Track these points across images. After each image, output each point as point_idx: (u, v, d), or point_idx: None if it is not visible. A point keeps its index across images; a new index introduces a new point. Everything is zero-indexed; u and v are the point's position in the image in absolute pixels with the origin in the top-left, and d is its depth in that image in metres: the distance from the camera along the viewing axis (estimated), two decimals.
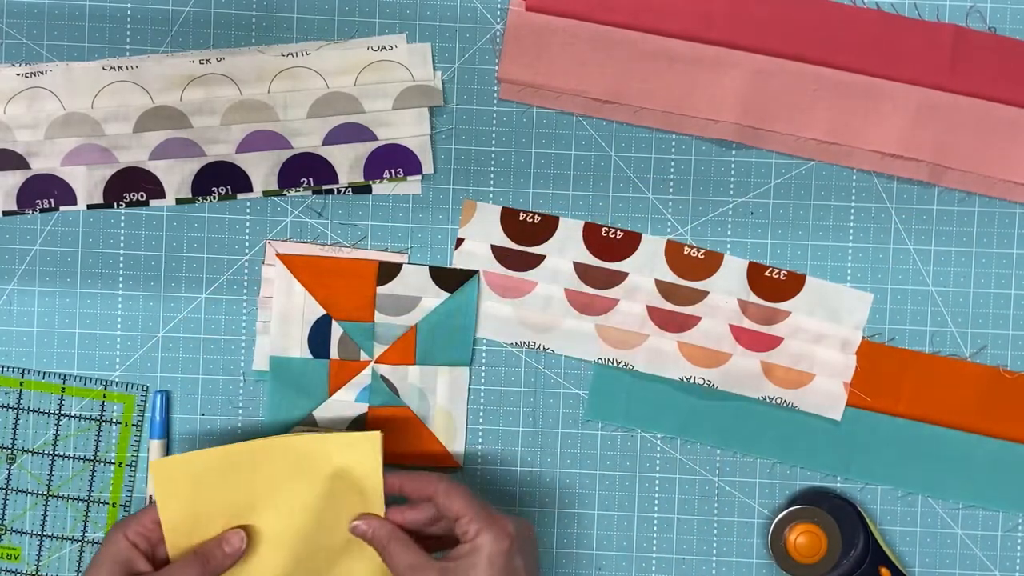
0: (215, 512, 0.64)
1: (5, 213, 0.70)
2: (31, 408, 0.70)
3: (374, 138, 0.70)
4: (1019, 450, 0.71)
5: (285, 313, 0.70)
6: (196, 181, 0.70)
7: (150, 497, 0.69)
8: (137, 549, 0.63)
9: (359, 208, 0.71)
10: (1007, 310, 0.71)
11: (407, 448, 0.71)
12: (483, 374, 0.71)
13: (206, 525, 0.64)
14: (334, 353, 0.70)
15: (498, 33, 0.70)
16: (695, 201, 0.71)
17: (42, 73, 0.69)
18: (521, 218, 0.71)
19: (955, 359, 0.71)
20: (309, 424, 0.71)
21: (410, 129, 0.70)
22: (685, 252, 0.71)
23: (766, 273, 0.71)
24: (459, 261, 0.71)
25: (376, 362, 0.71)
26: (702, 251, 0.71)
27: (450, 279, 0.70)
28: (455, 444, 0.71)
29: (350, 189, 0.70)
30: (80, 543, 0.71)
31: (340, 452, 0.64)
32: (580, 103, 0.70)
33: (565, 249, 0.71)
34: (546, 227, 0.71)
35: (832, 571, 0.70)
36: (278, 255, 0.70)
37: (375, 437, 0.64)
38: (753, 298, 0.71)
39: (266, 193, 0.70)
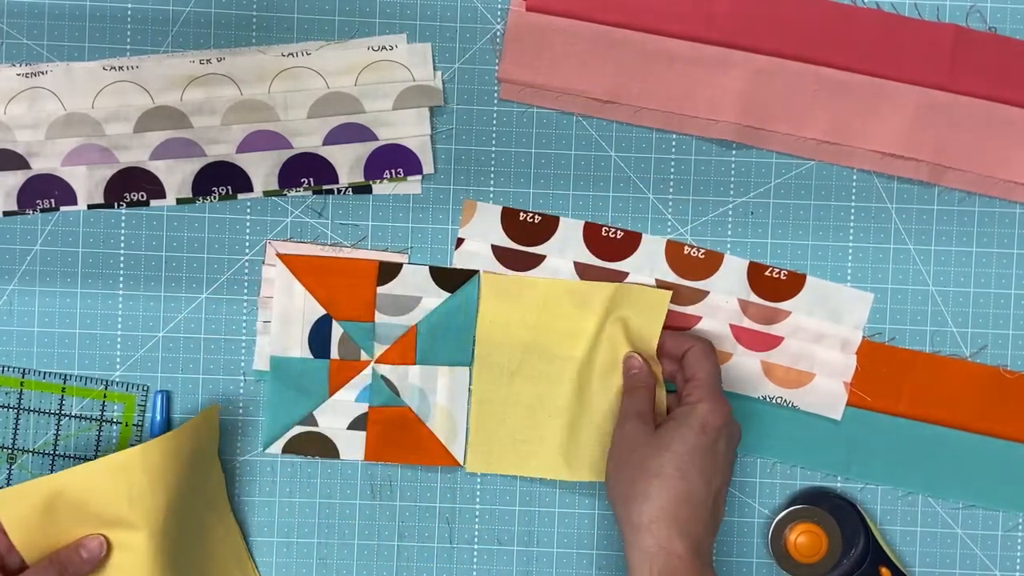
0: (72, 531, 0.63)
1: (6, 213, 0.70)
2: (31, 408, 0.70)
3: (374, 138, 0.70)
4: (1019, 450, 0.71)
5: (285, 313, 0.70)
6: (196, 181, 0.70)
7: None
8: None
9: (359, 208, 0.71)
10: (1007, 310, 0.71)
11: (407, 448, 0.71)
12: None
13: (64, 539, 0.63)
14: (334, 353, 0.70)
15: (498, 33, 0.70)
16: (695, 201, 0.71)
17: (42, 73, 0.69)
18: (521, 218, 0.71)
19: (955, 359, 0.71)
20: (310, 424, 0.71)
21: (410, 129, 0.70)
22: (685, 252, 0.71)
23: (766, 273, 0.71)
24: (459, 261, 0.71)
25: (376, 362, 0.71)
26: (702, 251, 0.71)
27: (450, 279, 0.70)
28: (455, 443, 0.71)
29: (350, 189, 0.70)
30: None
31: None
32: (580, 103, 0.70)
33: (565, 249, 0.71)
34: (546, 227, 0.71)
35: (832, 571, 0.70)
36: (278, 255, 0.70)
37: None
38: (753, 298, 0.71)
39: (266, 193, 0.70)
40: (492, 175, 0.71)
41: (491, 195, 0.71)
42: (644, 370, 0.68)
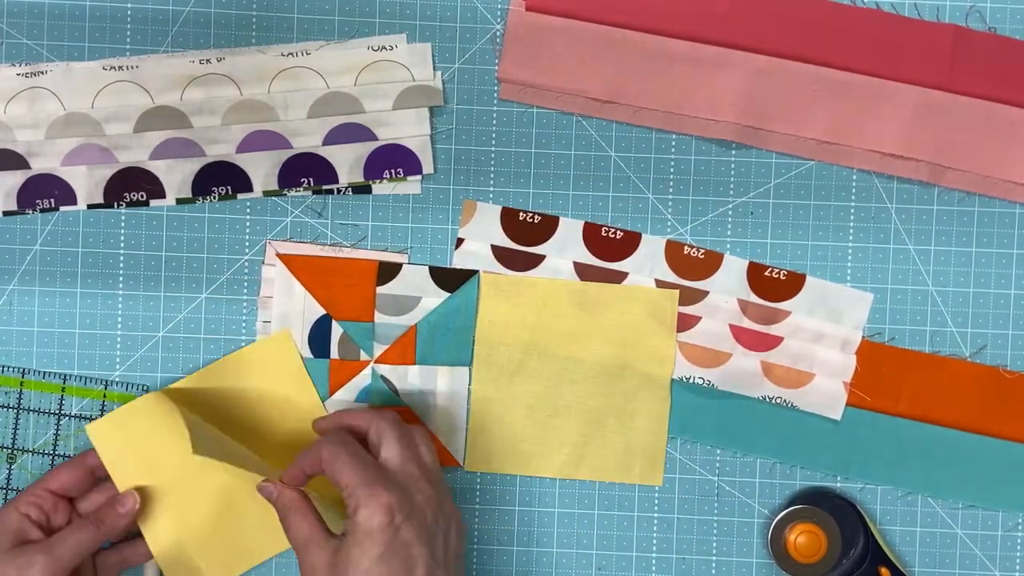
0: (165, 457, 0.66)
1: (5, 213, 0.70)
2: (31, 408, 0.70)
3: (374, 138, 0.70)
4: (1019, 450, 0.71)
5: (285, 313, 0.70)
6: (196, 181, 0.70)
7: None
8: (29, 519, 0.64)
9: (359, 208, 0.71)
10: (1007, 310, 0.71)
11: None
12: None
13: (160, 471, 0.67)
14: (334, 353, 0.70)
15: (498, 33, 0.70)
16: (695, 201, 0.71)
17: (42, 73, 0.69)
18: (521, 218, 0.71)
19: (955, 359, 0.71)
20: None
21: (410, 129, 0.70)
22: (685, 252, 0.71)
23: (766, 273, 0.71)
24: (459, 261, 0.71)
25: (376, 362, 0.71)
26: (702, 251, 0.71)
27: (450, 279, 0.70)
28: (455, 443, 0.71)
29: (350, 189, 0.70)
30: None
31: (260, 363, 0.69)
32: (580, 103, 0.70)
33: (565, 249, 0.71)
34: (546, 227, 0.71)
35: (832, 571, 0.70)
36: (278, 255, 0.70)
37: (284, 335, 0.68)
38: (753, 298, 0.71)
39: (266, 193, 0.70)
40: (492, 175, 0.71)
41: (491, 195, 0.71)
42: (281, 492, 0.62)
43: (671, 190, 0.71)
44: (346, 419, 0.66)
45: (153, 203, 0.70)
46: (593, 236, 0.71)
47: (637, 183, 0.71)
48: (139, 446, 0.66)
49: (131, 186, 0.70)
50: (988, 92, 0.69)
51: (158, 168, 0.69)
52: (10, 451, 0.70)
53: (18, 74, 0.69)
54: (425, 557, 0.59)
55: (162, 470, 0.67)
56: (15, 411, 0.70)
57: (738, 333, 0.70)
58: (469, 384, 0.71)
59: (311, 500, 0.62)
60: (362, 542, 0.58)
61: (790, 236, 0.71)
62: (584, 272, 0.71)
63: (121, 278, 0.70)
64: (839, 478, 0.71)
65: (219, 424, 0.68)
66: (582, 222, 0.71)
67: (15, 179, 0.69)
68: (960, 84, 0.69)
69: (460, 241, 0.71)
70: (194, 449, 0.61)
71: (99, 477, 0.67)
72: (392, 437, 0.62)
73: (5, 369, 0.70)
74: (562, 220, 0.71)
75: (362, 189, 0.70)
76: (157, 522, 0.67)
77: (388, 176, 0.70)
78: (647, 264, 0.71)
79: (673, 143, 0.71)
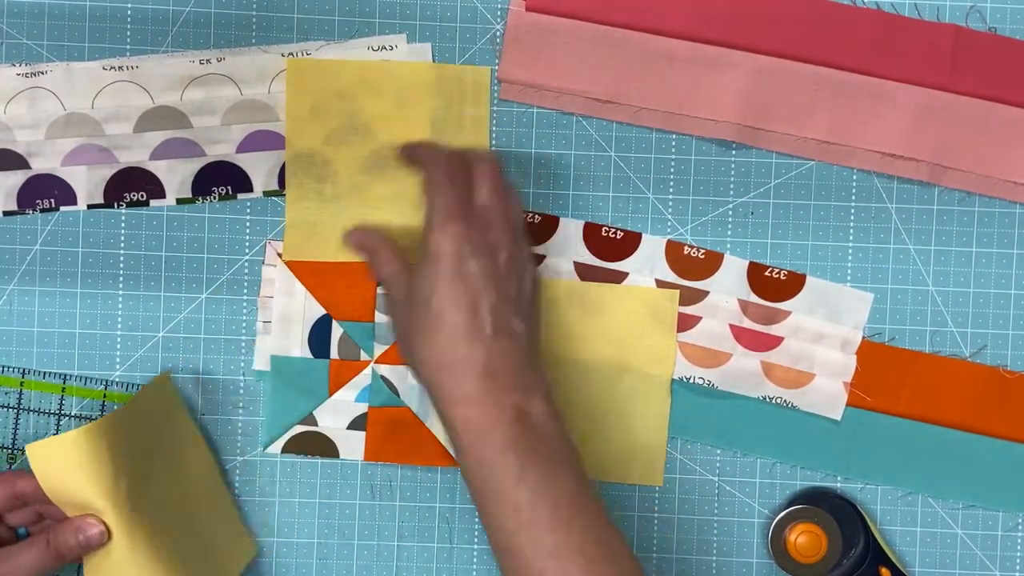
0: (101, 491, 0.61)
1: (5, 213, 0.70)
2: (31, 408, 0.70)
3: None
4: (1019, 450, 0.71)
5: (286, 313, 0.70)
6: (196, 181, 0.70)
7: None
8: None
9: None
10: (1007, 310, 0.71)
11: (407, 448, 0.71)
12: None
13: (96, 505, 0.61)
14: (334, 353, 0.70)
15: (498, 33, 0.70)
16: (695, 201, 0.71)
17: (42, 73, 0.69)
18: None
19: (955, 359, 0.71)
20: (310, 424, 0.71)
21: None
22: (685, 252, 0.71)
23: (766, 273, 0.71)
24: None
25: (376, 362, 0.71)
26: (702, 251, 0.71)
27: None
28: None
29: None
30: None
31: (146, 412, 0.66)
32: (580, 103, 0.70)
33: (565, 249, 0.71)
34: (546, 227, 0.71)
35: (832, 571, 0.70)
36: (279, 255, 0.70)
37: (163, 378, 0.68)
38: (753, 298, 0.71)
39: (266, 193, 0.70)
40: None
41: None
42: (367, 237, 0.65)
43: (671, 190, 0.71)
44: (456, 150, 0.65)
45: (153, 203, 0.70)
46: (593, 236, 0.71)
47: (637, 183, 0.71)
48: (79, 474, 0.61)
49: (131, 186, 0.70)
50: (988, 92, 0.69)
51: (158, 168, 0.69)
52: (10, 451, 0.70)
53: (18, 74, 0.69)
54: (492, 293, 0.60)
55: (98, 503, 0.61)
56: (15, 411, 0.70)
57: (738, 333, 0.70)
58: None
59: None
60: (429, 264, 0.60)
61: (790, 236, 0.71)
62: (584, 272, 0.71)
63: (121, 278, 0.70)
64: (839, 478, 0.71)
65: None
66: (582, 222, 0.71)
67: (15, 179, 0.69)
68: (960, 84, 0.69)
69: None
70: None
71: (26, 501, 0.63)
72: (488, 181, 0.63)
73: (5, 369, 0.70)
74: (562, 220, 0.71)
75: None
76: (94, 556, 0.62)
77: None
78: (647, 264, 0.71)
79: (673, 143, 0.71)
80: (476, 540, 0.72)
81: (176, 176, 0.70)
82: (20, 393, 0.70)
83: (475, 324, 0.59)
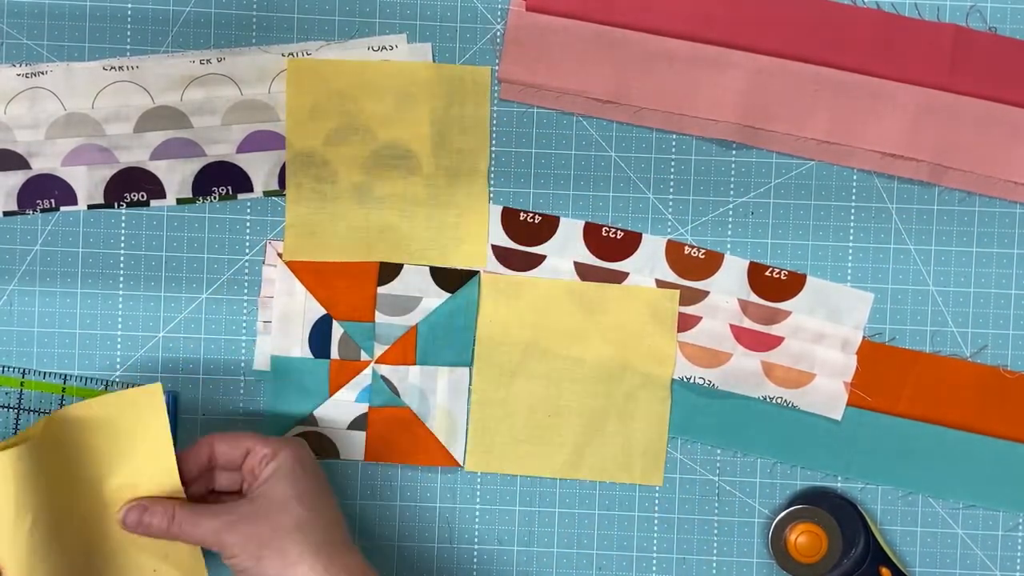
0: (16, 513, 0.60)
1: (6, 213, 0.70)
2: (32, 408, 0.70)
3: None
4: (1019, 450, 0.71)
5: (286, 313, 0.70)
6: (196, 181, 0.70)
7: None
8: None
9: None
10: (1007, 310, 0.71)
11: (407, 448, 0.71)
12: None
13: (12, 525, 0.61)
14: (335, 353, 0.70)
15: (498, 33, 0.70)
16: (695, 201, 0.71)
17: (42, 73, 0.69)
18: (521, 218, 0.71)
19: (955, 359, 0.71)
20: (310, 424, 0.71)
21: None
22: (685, 252, 0.71)
23: (766, 273, 0.71)
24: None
25: (376, 362, 0.71)
26: (702, 251, 0.71)
27: (450, 279, 0.70)
28: (455, 444, 0.71)
29: None
30: None
31: (121, 414, 0.64)
32: (580, 103, 0.70)
33: (565, 249, 0.71)
34: (546, 227, 0.71)
35: (832, 571, 0.70)
36: (279, 255, 0.70)
37: (155, 390, 0.64)
38: (753, 298, 0.71)
39: (266, 193, 0.70)
40: (492, 175, 0.71)
41: (491, 195, 0.71)
42: (149, 508, 0.62)
43: (671, 190, 0.71)
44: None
45: (153, 203, 0.70)
46: (593, 236, 0.71)
47: (637, 183, 0.71)
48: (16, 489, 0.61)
49: (131, 186, 0.70)
50: (988, 92, 0.69)
51: (158, 168, 0.69)
52: None
53: (18, 74, 0.69)
54: (332, 491, 0.65)
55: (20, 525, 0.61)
56: (15, 411, 0.70)
57: (738, 333, 0.71)
58: (469, 384, 0.71)
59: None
60: (293, 469, 0.63)
61: (790, 236, 0.71)
62: (584, 272, 0.71)
63: (121, 278, 0.70)
64: (839, 478, 0.71)
65: (67, 484, 0.63)
66: (582, 222, 0.71)
67: (15, 179, 0.69)
68: (960, 84, 0.69)
69: None
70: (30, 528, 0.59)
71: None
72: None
73: (5, 369, 0.70)
74: (562, 220, 0.71)
75: None
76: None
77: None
78: (647, 264, 0.71)
79: (673, 143, 0.71)
80: (476, 540, 0.72)
81: (176, 176, 0.70)
82: (20, 393, 0.70)
83: (340, 516, 0.65)
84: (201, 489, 0.66)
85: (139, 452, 0.64)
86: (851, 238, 0.71)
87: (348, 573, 0.61)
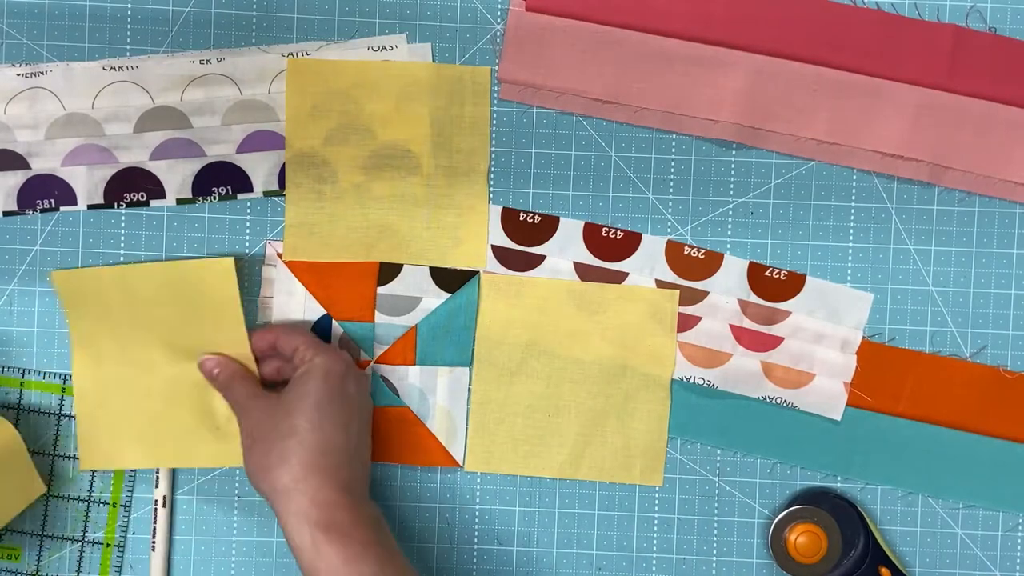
0: (116, 324, 0.68)
1: (6, 213, 0.70)
2: (32, 408, 0.70)
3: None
4: (1019, 450, 0.71)
5: (286, 313, 0.70)
6: (196, 181, 0.70)
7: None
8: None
9: None
10: (1007, 310, 0.71)
11: (407, 448, 0.71)
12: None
13: (110, 335, 0.68)
14: None
15: (498, 33, 0.70)
16: (695, 201, 0.71)
17: (42, 73, 0.69)
18: (521, 218, 0.71)
19: (955, 359, 0.71)
20: None
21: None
22: (685, 252, 0.71)
23: (766, 273, 0.71)
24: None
25: (376, 362, 0.71)
26: (702, 251, 0.71)
27: (450, 279, 0.70)
28: (455, 443, 0.71)
29: None
30: (80, 543, 0.71)
31: (197, 278, 0.67)
32: (580, 103, 0.70)
33: (565, 249, 0.71)
34: (546, 227, 0.71)
35: (832, 571, 0.70)
36: (279, 255, 0.70)
37: (227, 263, 0.67)
38: (753, 298, 0.71)
39: (266, 193, 0.70)
40: (492, 175, 0.71)
41: (491, 195, 0.71)
42: (223, 363, 0.67)
43: (671, 190, 0.71)
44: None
45: (153, 203, 0.70)
46: (593, 236, 0.71)
47: (637, 183, 0.71)
48: (97, 306, 0.68)
49: (131, 186, 0.70)
50: (988, 92, 0.69)
51: (158, 168, 0.69)
52: None
53: (18, 74, 0.69)
54: (358, 418, 0.65)
55: (109, 337, 0.68)
56: (15, 411, 0.70)
57: (738, 333, 0.71)
58: (469, 384, 0.71)
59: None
60: (316, 379, 0.64)
61: (790, 236, 0.71)
62: (584, 272, 0.71)
63: None
64: (839, 478, 0.71)
65: (145, 325, 0.68)
66: (582, 222, 0.71)
67: (15, 179, 0.69)
68: (960, 84, 0.69)
69: None
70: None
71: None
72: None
73: (5, 369, 0.70)
74: (562, 220, 0.71)
75: None
76: (88, 383, 0.69)
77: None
78: (647, 264, 0.71)
79: (673, 143, 0.71)
80: (476, 540, 0.72)
81: (176, 176, 0.70)
82: (20, 393, 0.70)
83: (346, 442, 0.63)
84: (269, 370, 0.68)
85: (210, 321, 0.68)
86: (851, 238, 0.71)
87: (333, 510, 0.61)
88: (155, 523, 0.70)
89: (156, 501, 0.70)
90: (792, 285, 0.71)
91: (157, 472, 0.70)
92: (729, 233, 0.71)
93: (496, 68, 0.70)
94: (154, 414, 0.69)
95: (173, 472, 0.70)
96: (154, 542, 0.70)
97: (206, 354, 0.68)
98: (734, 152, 0.71)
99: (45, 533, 0.70)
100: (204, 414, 0.69)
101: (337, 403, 0.64)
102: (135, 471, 0.70)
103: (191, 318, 0.68)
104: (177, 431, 0.69)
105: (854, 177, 0.71)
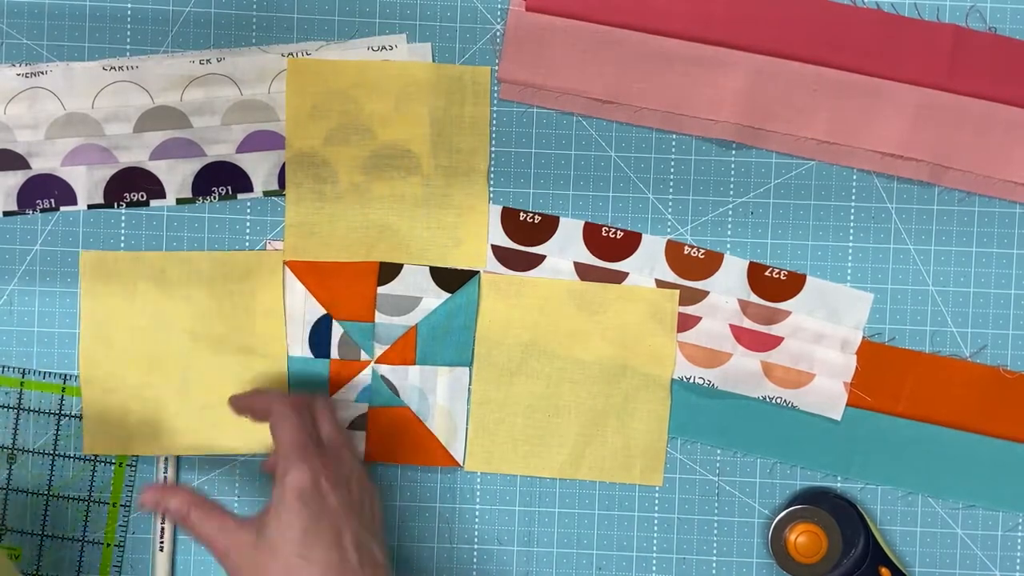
0: (138, 310, 0.69)
1: (5, 213, 0.70)
2: (31, 408, 0.70)
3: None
4: (1019, 450, 0.71)
5: (286, 313, 0.70)
6: (196, 181, 0.70)
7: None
8: None
9: None
10: (1007, 310, 0.71)
11: (407, 448, 0.71)
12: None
13: (126, 321, 0.69)
14: (334, 353, 0.70)
15: (498, 33, 0.70)
16: (695, 201, 0.71)
17: (42, 73, 0.69)
18: (521, 218, 0.71)
19: (955, 359, 0.71)
20: None
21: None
22: (685, 252, 0.71)
23: (766, 273, 0.71)
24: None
25: (376, 362, 0.71)
26: (702, 251, 0.71)
27: (450, 279, 0.70)
28: (455, 443, 0.71)
29: None
30: (80, 543, 0.71)
31: (244, 270, 0.69)
32: (580, 103, 0.70)
33: (565, 249, 0.71)
34: (546, 227, 0.71)
35: (832, 571, 0.70)
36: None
37: (276, 256, 0.69)
38: (753, 298, 0.71)
39: (266, 193, 0.70)
40: (492, 175, 0.71)
41: (491, 195, 0.71)
42: (168, 496, 0.62)
43: (671, 190, 0.71)
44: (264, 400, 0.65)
45: (153, 203, 0.70)
46: (593, 236, 0.71)
47: (637, 183, 0.71)
48: (121, 289, 0.69)
49: (131, 186, 0.70)
50: (988, 92, 0.69)
51: (158, 168, 0.69)
52: (10, 451, 0.70)
53: (18, 74, 0.69)
54: (352, 524, 0.60)
55: (125, 322, 0.69)
56: (15, 411, 0.70)
57: (738, 333, 0.71)
58: (469, 384, 0.71)
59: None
60: (292, 506, 0.58)
61: (790, 236, 0.71)
62: (584, 272, 0.71)
63: None
64: (839, 478, 0.71)
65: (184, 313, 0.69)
66: (582, 222, 0.71)
67: (15, 179, 0.69)
68: (960, 84, 0.69)
69: None
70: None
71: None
72: (329, 416, 0.64)
73: (5, 369, 0.70)
74: (562, 220, 0.71)
75: None
76: (97, 369, 0.69)
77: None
78: (647, 264, 0.71)
79: (673, 143, 0.71)
80: (476, 540, 0.72)
81: (176, 176, 0.70)
82: (20, 393, 0.70)
83: (343, 560, 0.58)
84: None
85: (248, 312, 0.69)
86: (851, 238, 0.71)
87: None
88: (163, 522, 0.70)
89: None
90: (792, 285, 0.71)
91: (165, 472, 0.70)
92: (729, 233, 0.71)
93: (496, 68, 0.70)
94: (168, 401, 0.69)
95: (177, 473, 0.70)
96: (162, 542, 0.70)
97: (147, 488, 0.63)
98: (734, 152, 0.71)
99: (45, 533, 0.71)
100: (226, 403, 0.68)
101: (324, 521, 0.59)
102: (135, 471, 0.70)
103: (227, 309, 0.68)
104: (194, 419, 0.69)
105: (854, 177, 0.71)
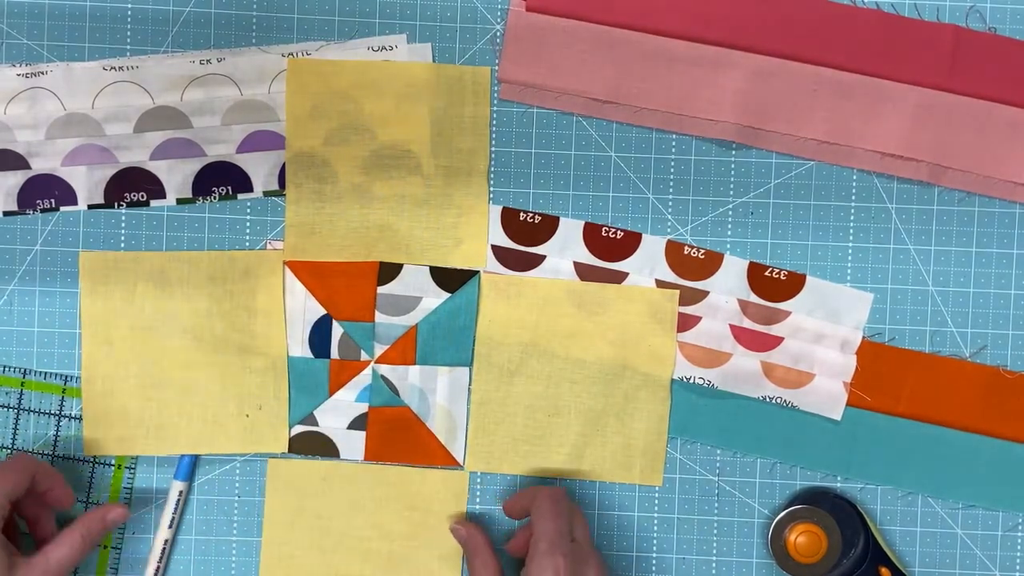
0: (137, 310, 0.69)
1: (6, 213, 0.70)
2: (32, 408, 0.70)
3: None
4: (1019, 450, 0.71)
5: (287, 313, 0.70)
6: (196, 181, 0.70)
7: None
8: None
9: None
10: (1007, 310, 0.71)
11: (407, 447, 0.71)
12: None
13: (126, 321, 0.69)
14: (334, 353, 0.71)
15: (498, 33, 0.70)
16: (695, 201, 0.71)
17: (42, 73, 0.69)
18: (521, 218, 0.71)
19: (955, 359, 0.71)
20: (310, 423, 0.71)
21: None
22: (685, 252, 0.71)
23: (766, 273, 0.71)
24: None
25: (376, 362, 0.71)
26: (702, 251, 0.71)
27: (450, 279, 0.70)
28: (455, 443, 0.71)
29: None
30: None
31: (244, 269, 0.70)
32: (580, 103, 0.70)
33: (565, 249, 0.71)
34: (546, 227, 0.71)
35: (832, 571, 0.70)
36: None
37: (276, 255, 0.69)
38: (753, 298, 0.71)
39: (266, 193, 0.70)
40: (492, 175, 0.71)
41: (491, 195, 0.71)
42: (473, 532, 0.67)
43: (671, 190, 0.71)
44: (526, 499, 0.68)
45: (153, 203, 0.70)
46: (593, 236, 0.71)
47: (637, 183, 0.71)
48: (121, 290, 0.69)
49: (131, 186, 0.70)
50: (988, 92, 0.69)
51: (158, 168, 0.70)
52: (10, 451, 0.70)
53: (18, 74, 0.69)
54: None
55: (125, 322, 0.69)
56: (15, 411, 0.70)
57: (738, 333, 0.71)
58: (469, 384, 0.71)
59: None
60: None
61: (790, 236, 0.71)
62: (584, 272, 0.71)
63: None
64: (839, 478, 0.71)
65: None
66: (582, 222, 0.71)
67: (15, 179, 0.69)
68: (960, 84, 0.69)
69: None
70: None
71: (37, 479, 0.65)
72: (583, 523, 0.66)
73: (5, 369, 0.70)
74: (562, 220, 0.71)
75: None
76: (97, 369, 0.69)
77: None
78: (647, 264, 0.71)
79: (673, 143, 0.71)
80: None
81: (176, 176, 0.70)
82: (20, 393, 0.70)
83: None
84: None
85: (249, 312, 0.69)
86: (851, 238, 0.71)
87: None
88: (175, 511, 0.70)
89: (180, 493, 0.70)
90: (792, 285, 0.71)
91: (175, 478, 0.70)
92: (729, 233, 0.71)
93: (496, 68, 0.70)
94: (168, 401, 0.69)
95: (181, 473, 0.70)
96: (166, 541, 0.70)
97: (455, 523, 0.69)
98: (734, 152, 0.71)
99: None
100: (232, 400, 0.69)
101: None
102: (133, 475, 0.70)
103: (227, 309, 0.69)
104: (196, 419, 0.69)
105: (854, 177, 0.71)
